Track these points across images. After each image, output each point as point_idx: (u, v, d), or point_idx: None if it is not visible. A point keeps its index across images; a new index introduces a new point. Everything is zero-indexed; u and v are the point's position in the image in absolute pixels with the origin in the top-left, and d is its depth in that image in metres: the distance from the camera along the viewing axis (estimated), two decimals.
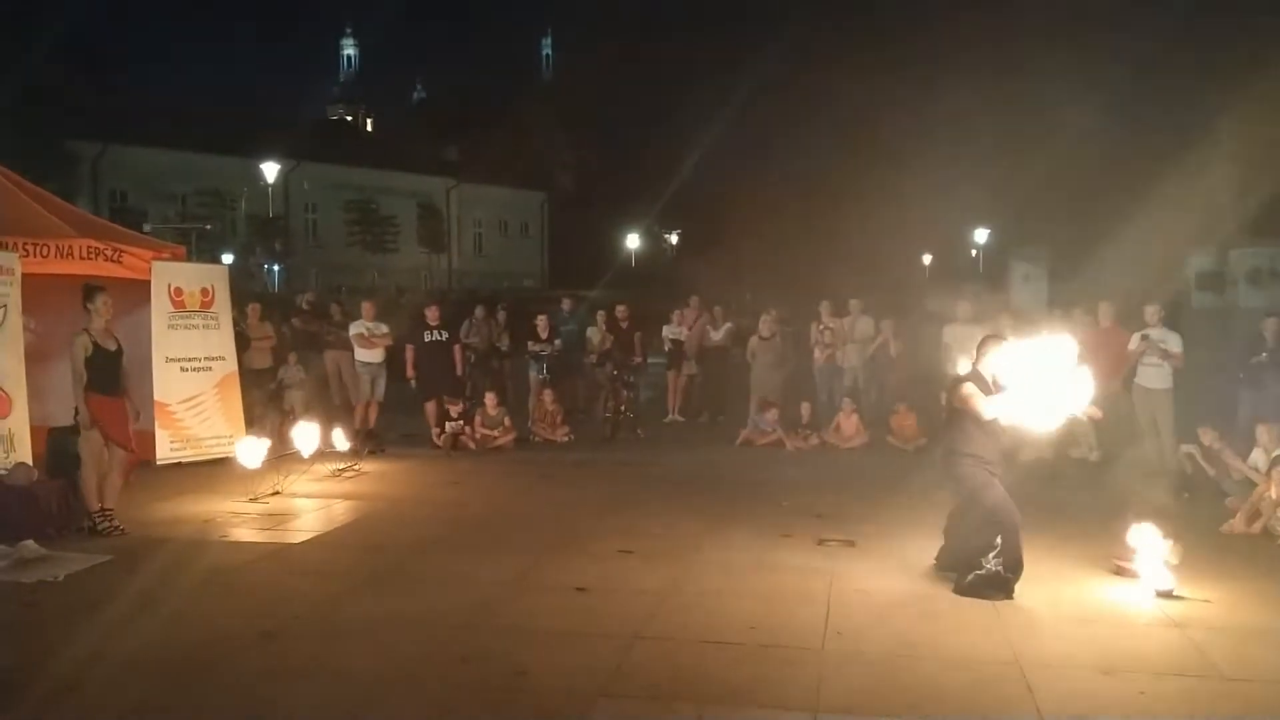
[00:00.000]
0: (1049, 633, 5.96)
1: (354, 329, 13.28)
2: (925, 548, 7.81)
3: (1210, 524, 8.62)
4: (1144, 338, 11.25)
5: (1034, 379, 6.46)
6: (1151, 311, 11.32)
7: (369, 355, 13.16)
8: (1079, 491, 10.30)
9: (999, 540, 6.66)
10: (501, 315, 16.65)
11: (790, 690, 5.05)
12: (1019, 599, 6.56)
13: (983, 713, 4.87)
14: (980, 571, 6.67)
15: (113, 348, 8.47)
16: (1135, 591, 6.66)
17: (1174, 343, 11.07)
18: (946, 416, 7.25)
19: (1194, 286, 25.58)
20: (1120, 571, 7.01)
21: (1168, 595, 6.51)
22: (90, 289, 8.51)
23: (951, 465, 6.96)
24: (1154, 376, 11.14)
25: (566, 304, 16.83)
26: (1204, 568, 7.03)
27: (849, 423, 13.25)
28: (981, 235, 45.36)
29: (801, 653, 5.58)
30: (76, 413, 8.36)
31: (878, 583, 6.98)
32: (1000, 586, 6.62)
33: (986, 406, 6.71)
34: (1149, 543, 6.79)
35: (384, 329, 13.35)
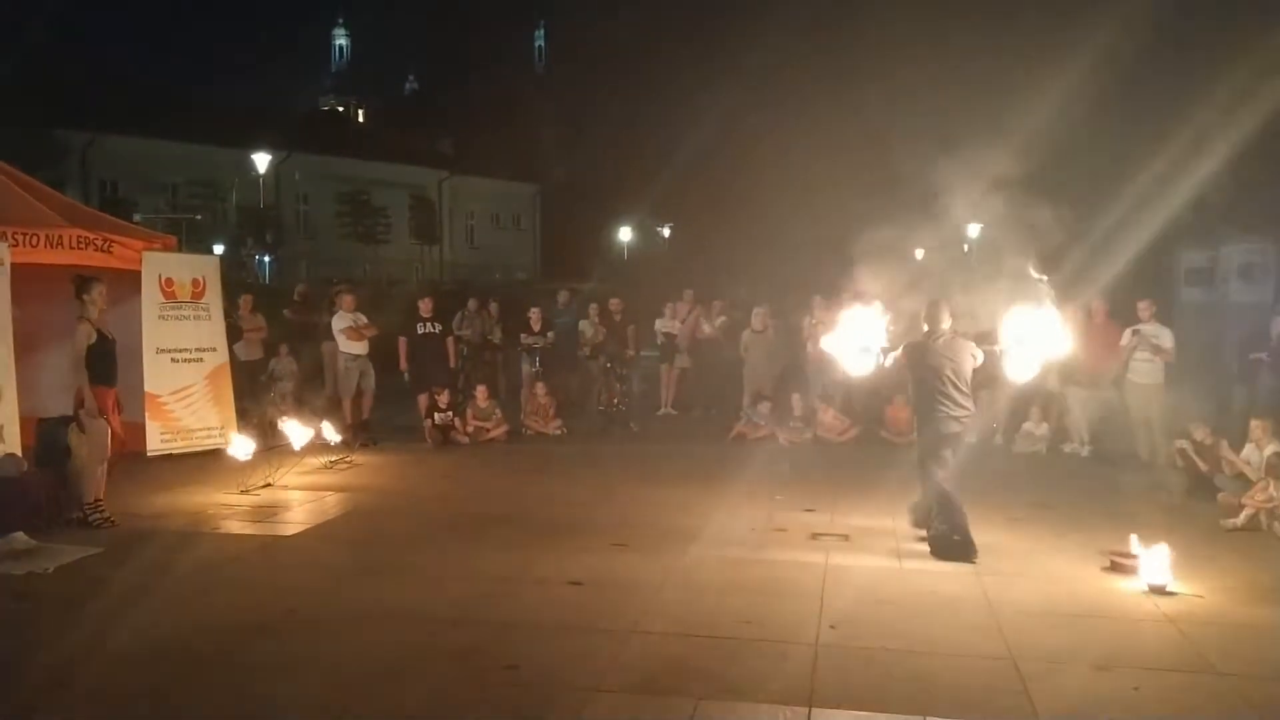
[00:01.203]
0: (1043, 628, 5.96)
1: (342, 322, 13.12)
2: (918, 542, 7.82)
3: (1202, 519, 8.64)
4: (1135, 333, 11.27)
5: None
6: (1144, 307, 11.34)
7: (357, 348, 13.07)
8: (1071, 487, 10.32)
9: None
10: (494, 308, 16.61)
11: (784, 684, 5.04)
12: (1013, 594, 6.56)
13: (977, 708, 4.86)
14: (933, 532, 7.57)
15: (109, 336, 8.42)
16: (1129, 587, 6.67)
17: (1165, 338, 11.10)
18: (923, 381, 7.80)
19: (1184, 282, 25.54)
20: (1114, 567, 7.02)
21: (1161, 591, 6.52)
22: (85, 280, 8.44)
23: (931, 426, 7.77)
24: (1145, 371, 11.18)
25: (563, 296, 16.73)
26: (1197, 563, 7.03)
27: (828, 415, 13.26)
28: (974, 230, 45.24)
29: (795, 647, 5.57)
30: (79, 403, 8.26)
31: (871, 577, 6.97)
32: (955, 550, 7.38)
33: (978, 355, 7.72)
34: (1142, 538, 6.80)
35: (364, 319, 13.26)
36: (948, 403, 7.61)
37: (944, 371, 7.61)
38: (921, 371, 7.76)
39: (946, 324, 7.76)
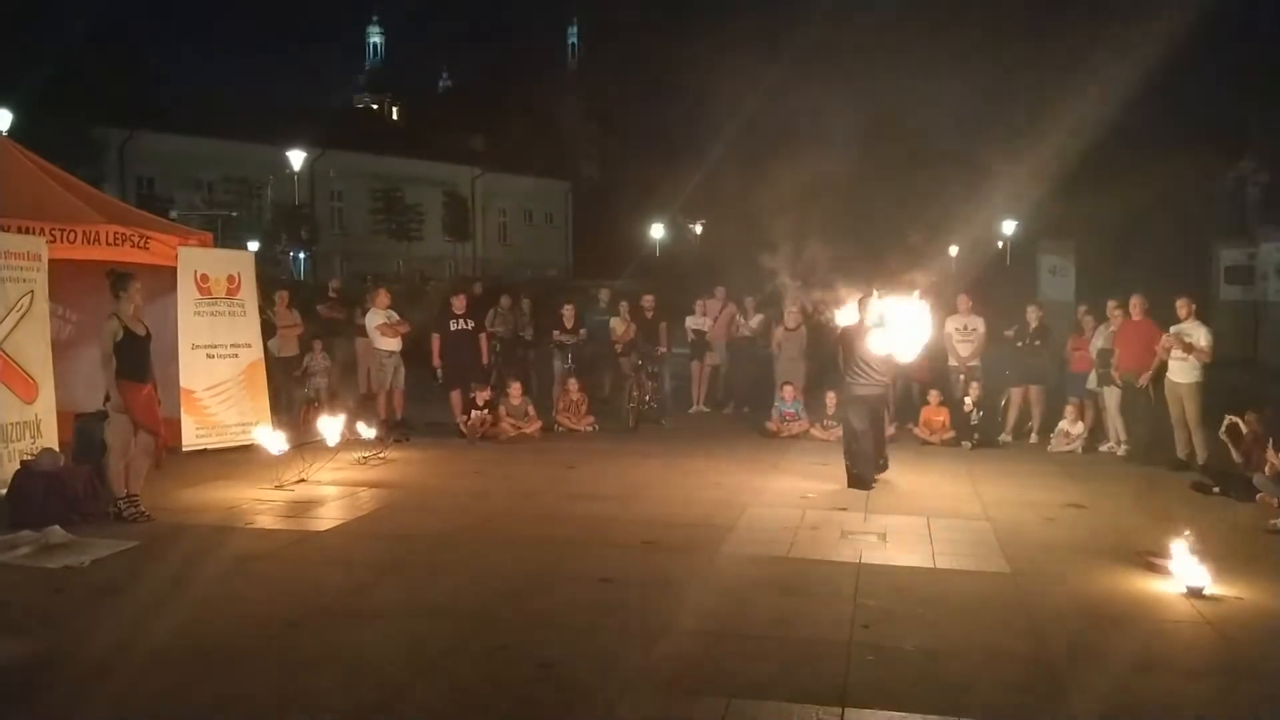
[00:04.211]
0: (1079, 629, 5.87)
1: (377, 319, 13.20)
2: (953, 541, 7.77)
3: (1241, 519, 8.53)
4: (1171, 333, 11.12)
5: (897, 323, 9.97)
6: (1181, 305, 11.19)
7: (392, 344, 13.12)
8: (1107, 487, 10.21)
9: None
10: (526, 304, 16.60)
11: (817, 684, 5.00)
12: (1048, 595, 6.52)
13: (1012, 709, 4.81)
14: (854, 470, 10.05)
15: (141, 333, 8.45)
16: (1166, 589, 6.57)
17: (1200, 336, 10.92)
18: (843, 359, 10.38)
19: (1223, 280, 25.27)
20: (1152, 568, 6.92)
21: (1199, 593, 6.42)
22: (121, 275, 8.48)
23: (849, 390, 10.28)
24: (1181, 370, 11.03)
25: (604, 295, 16.64)
26: (1236, 565, 6.92)
27: None
28: (1009, 227, 44.89)
29: (828, 646, 5.53)
30: (107, 398, 8.34)
31: (905, 577, 6.92)
32: (861, 481, 9.94)
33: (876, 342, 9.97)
34: (1180, 539, 6.70)
35: (396, 316, 13.32)
36: (871, 373, 10.08)
37: (869, 350, 10.02)
38: (856, 350, 10.13)
39: (871, 315, 10.15)
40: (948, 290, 14.17)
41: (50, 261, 9.71)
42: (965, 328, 13.36)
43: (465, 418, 12.90)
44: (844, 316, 10.66)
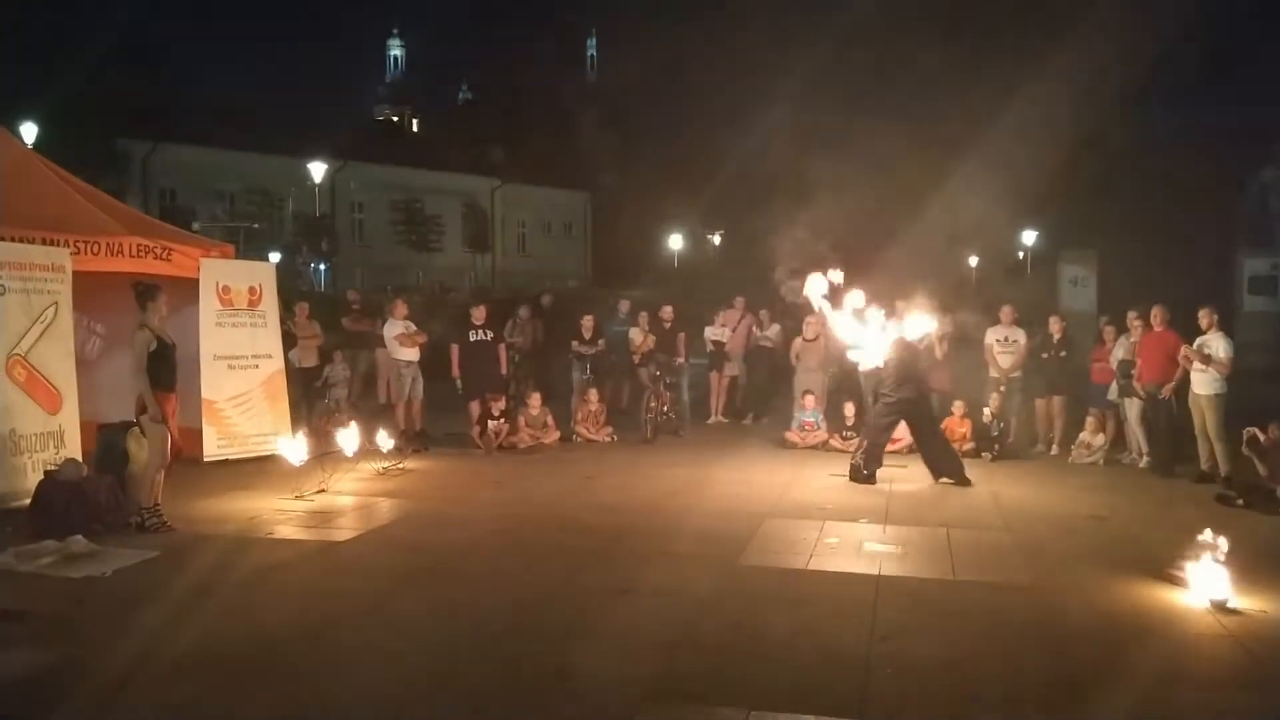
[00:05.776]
0: (1100, 642, 5.84)
1: (395, 329, 13.25)
2: (972, 553, 7.74)
3: (1264, 531, 8.46)
4: (1194, 345, 11.04)
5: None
6: (1203, 315, 11.11)
7: (409, 354, 13.17)
8: (1128, 498, 10.15)
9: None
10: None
11: (835, 696, 4.99)
12: (1069, 608, 6.48)
13: None
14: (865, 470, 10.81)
15: (169, 342, 8.52)
16: (1188, 601, 6.52)
17: (1220, 348, 10.81)
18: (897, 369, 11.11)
19: (1246, 290, 25.14)
20: (1173, 581, 6.86)
21: (1222, 606, 6.37)
22: (148, 287, 8.53)
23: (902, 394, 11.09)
24: (1201, 381, 10.95)
25: (624, 305, 16.59)
26: (1260, 578, 6.86)
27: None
28: (1030, 237, 44.69)
29: (847, 659, 5.51)
30: (142, 409, 8.34)
31: (925, 589, 6.90)
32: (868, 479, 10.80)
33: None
34: (1203, 551, 6.64)
35: (414, 327, 13.35)
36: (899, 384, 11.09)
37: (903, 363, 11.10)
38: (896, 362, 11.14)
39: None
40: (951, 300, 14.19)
41: (75, 273, 9.79)
42: (1006, 339, 13.24)
43: (479, 429, 12.91)
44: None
